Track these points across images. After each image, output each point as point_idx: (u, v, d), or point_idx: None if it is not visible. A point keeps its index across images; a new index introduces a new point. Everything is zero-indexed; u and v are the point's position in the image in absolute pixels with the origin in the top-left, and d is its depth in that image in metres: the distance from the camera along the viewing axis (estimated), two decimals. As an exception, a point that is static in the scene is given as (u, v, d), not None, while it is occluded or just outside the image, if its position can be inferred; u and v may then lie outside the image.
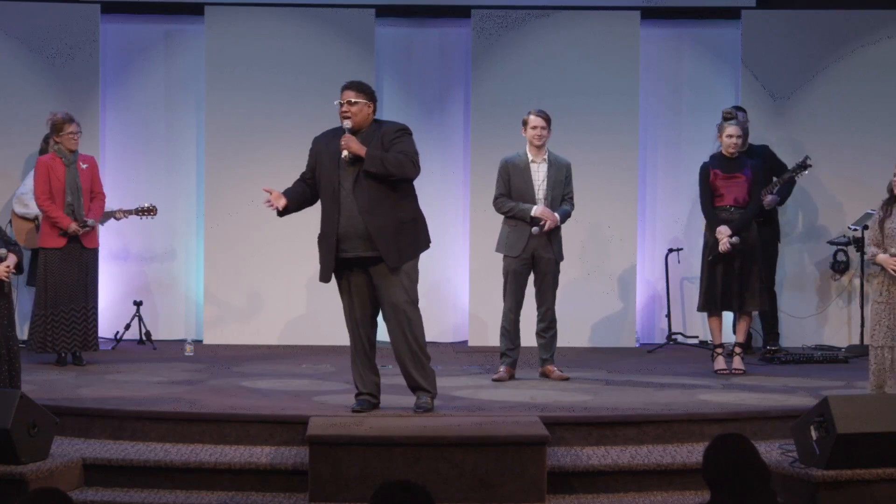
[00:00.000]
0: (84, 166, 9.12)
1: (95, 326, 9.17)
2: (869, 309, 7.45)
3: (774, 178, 9.82)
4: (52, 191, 9.00)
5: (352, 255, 7.10)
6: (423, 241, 7.30)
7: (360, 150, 7.05)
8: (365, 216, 7.04)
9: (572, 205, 8.68)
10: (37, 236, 9.54)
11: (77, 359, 9.17)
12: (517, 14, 10.64)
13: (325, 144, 7.23)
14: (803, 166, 9.55)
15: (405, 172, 7.15)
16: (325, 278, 7.19)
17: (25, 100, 10.48)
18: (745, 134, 9.23)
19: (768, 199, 9.67)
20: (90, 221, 9.05)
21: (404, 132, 7.24)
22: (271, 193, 7.21)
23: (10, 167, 10.43)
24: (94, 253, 9.20)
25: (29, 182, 9.78)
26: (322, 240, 7.18)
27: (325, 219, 7.15)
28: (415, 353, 7.21)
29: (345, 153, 7.07)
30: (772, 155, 10.09)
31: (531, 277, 8.64)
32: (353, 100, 7.15)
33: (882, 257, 7.27)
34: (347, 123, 7.13)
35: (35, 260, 9.69)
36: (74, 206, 9.02)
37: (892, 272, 7.22)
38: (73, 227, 8.97)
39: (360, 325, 7.23)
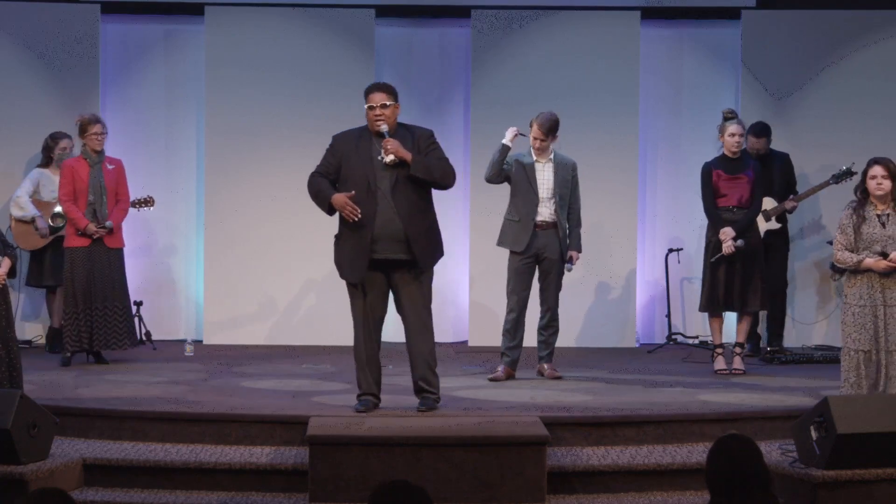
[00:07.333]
0: (110, 167, 9.18)
1: (130, 324, 9.21)
2: (845, 313, 7.25)
3: (814, 184, 9.91)
4: (76, 191, 9.05)
5: (382, 256, 7.07)
6: (441, 248, 7.35)
7: (407, 154, 7.03)
8: (404, 220, 7.03)
9: (579, 220, 8.65)
10: (35, 238, 9.71)
11: (99, 358, 9.16)
12: (517, 14, 10.64)
13: (354, 146, 7.13)
14: (849, 173, 9.54)
15: (448, 181, 7.23)
16: (357, 278, 7.09)
17: (25, 100, 10.48)
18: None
19: (790, 205, 9.74)
20: (108, 224, 9.06)
21: (435, 138, 7.26)
22: (347, 206, 6.99)
23: (11, 167, 10.43)
24: (119, 253, 9.21)
25: (25, 185, 9.89)
26: (348, 239, 7.09)
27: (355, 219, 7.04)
28: (428, 355, 7.25)
29: (390, 157, 7.02)
30: (791, 165, 10.10)
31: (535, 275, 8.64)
32: (386, 102, 7.11)
33: (870, 262, 7.13)
34: (384, 127, 7.08)
35: (40, 261, 9.82)
36: (96, 207, 9.06)
37: (884, 270, 7.08)
38: (91, 228, 8.99)
39: (374, 327, 7.21)
